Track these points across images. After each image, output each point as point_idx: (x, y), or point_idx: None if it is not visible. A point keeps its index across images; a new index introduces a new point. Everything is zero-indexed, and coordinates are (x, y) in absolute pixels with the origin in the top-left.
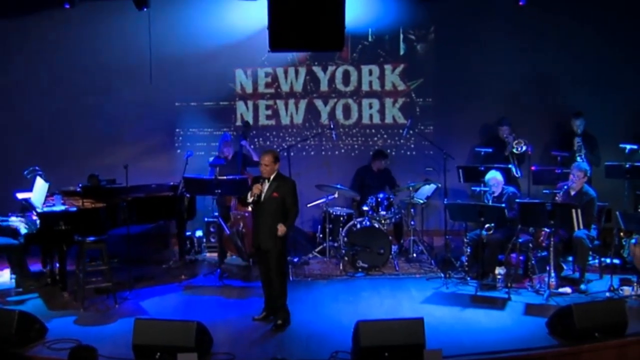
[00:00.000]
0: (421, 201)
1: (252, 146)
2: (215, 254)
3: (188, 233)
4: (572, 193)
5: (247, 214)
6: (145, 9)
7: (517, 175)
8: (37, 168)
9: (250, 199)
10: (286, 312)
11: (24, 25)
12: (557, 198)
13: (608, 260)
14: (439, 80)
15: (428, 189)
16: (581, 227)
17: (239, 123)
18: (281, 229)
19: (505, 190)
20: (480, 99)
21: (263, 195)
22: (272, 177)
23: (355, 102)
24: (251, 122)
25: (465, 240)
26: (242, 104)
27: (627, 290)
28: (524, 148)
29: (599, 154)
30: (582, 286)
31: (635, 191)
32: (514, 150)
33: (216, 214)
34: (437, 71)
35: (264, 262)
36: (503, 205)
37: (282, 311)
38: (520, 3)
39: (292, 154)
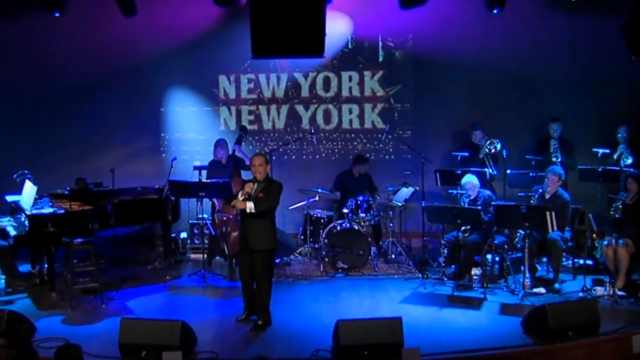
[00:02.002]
0: (399, 204)
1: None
2: (200, 255)
3: (173, 235)
4: (547, 196)
5: (231, 217)
6: (132, 16)
7: (493, 173)
8: (26, 171)
9: (241, 198)
10: (268, 313)
11: (11, 31)
12: (532, 201)
13: (581, 261)
14: (417, 86)
15: (406, 192)
16: (555, 229)
17: (222, 128)
18: (241, 204)
19: (481, 193)
20: (458, 104)
21: (252, 196)
22: (262, 179)
23: (335, 108)
24: (234, 126)
25: (443, 241)
26: (226, 109)
27: (599, 290)
28: (498, 147)
29: (575, 158)
30: (556, 286)
31: (607, 194)
32: (487, 151)
33: (201, 215)
34: (415, 77)
35: (247, 262)
36: (479, 207)
37: (263, 312)
38: (495, 11)
39: (274, 158)
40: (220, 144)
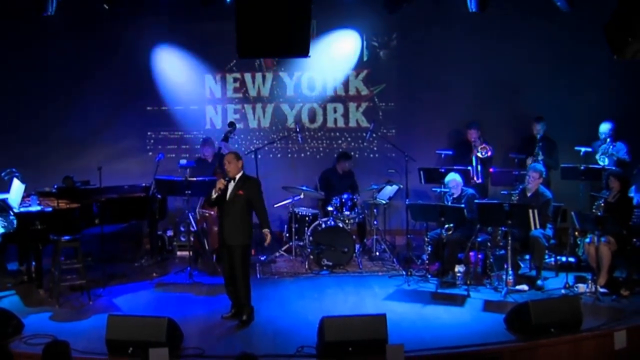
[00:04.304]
0: (384, 202)
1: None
2: (186, 253)
3: (159, 232)
4: (529, 194)
5: (212, 212)
6: (118, 11)
7: (478, 181)
8: (14, 170)
9: (214, 195)
10: (251, 307)
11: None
12: (513, 198)
13: (563, 259)
14: (401, 86)
15: (390, 190)
16: (538, 226)
17: (208, 127)
18: (268, 237)
19: (465, 191)
20: (441, 104)
21: (229, 194)
22: (237, 177)
23: (320, 107)
24: (220, 125)
25: (426, 239)
26: (212, 108)
27: (581, 287)
28: (489, 154)
29: (557, 158)
30: (539, 283)
31: (589, 192)
32: (479, 155)
33: (186, 212)
34: (399, 77)
35: (228, 260)
36: (462, 205)
37: (247, 307)
38: (478, 12)
39: (259, 156)
40: (207, 142)
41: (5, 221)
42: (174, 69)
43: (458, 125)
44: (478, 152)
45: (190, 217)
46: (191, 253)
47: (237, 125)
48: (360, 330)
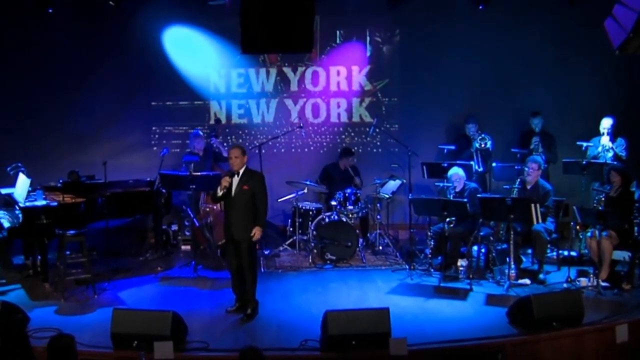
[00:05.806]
0: (387, 196)
1: (224, 144)
2: (190, 247)
3: (164, 227)
4: (528, 187)
5: (215, 207)
6: (123, 7)
7: (480, 170)
8: (19, 164)
9: (220, 193)
10: (256, 301)
11: (3, 26)
12: (514, 191)
13: (565, 253)
14: (404, 81)
15: (393, 184)
16: (540, 221)
17: (212, 122)
18: (257, 234)
19: (467, 185)
20: (444, 98)
21: (234, 189)
22: (241, 172)
23: (323, 102)
24: (224, 120)
25: (429, 233)
26: (216, 103)
27: (583, 281)
28: (489, 144)
29: (556, 152)
30: (541, 277)
31: (591, 187)
32: (478, 146)
33: (184, 207)
34: (402, 72)
35: (234, 254)
36: (465, 200)
37: (252, 301)
38: (480, 7)
39: (263, 151)
40: (196, 136)
41: (11, 215)
42: (178, 64)
43: (458, 120)
44: (476, 143)
45: (189, 212)
46: (191, 247)
47: (241, 121)
48: (364, 324)
